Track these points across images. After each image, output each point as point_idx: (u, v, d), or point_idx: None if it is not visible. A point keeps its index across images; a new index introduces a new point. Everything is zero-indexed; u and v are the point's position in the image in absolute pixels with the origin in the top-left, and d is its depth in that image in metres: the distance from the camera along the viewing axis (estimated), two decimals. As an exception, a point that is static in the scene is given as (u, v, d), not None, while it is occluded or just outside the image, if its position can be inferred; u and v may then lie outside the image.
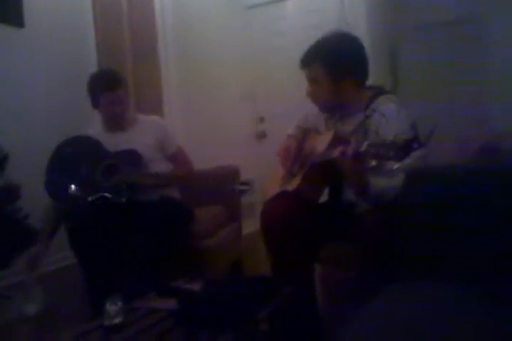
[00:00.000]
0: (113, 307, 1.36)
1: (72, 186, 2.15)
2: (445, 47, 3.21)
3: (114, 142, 2.22)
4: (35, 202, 2.31)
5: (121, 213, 2.09)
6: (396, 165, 1.46)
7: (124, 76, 2.39)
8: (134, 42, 3.42)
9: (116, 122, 2.30)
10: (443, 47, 3.23)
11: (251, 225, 3.30)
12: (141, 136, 2.25)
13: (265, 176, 3.37)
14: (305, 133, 2.00)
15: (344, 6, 3.40)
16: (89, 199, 2.07)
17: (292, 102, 3.43)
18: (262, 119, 3.88)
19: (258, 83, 3.88)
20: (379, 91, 1.77)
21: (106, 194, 2.08)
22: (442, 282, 1.20)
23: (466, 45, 3.10)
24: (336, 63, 1.70)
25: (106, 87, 2.17)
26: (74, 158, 2.24)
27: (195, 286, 1.52)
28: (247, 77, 3.86)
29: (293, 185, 1.77)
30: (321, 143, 1.77)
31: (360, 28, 3.07)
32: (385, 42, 3.39)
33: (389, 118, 1.61)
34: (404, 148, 1.24)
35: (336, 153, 1.49)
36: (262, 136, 3.88)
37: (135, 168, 2.13)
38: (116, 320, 1.35)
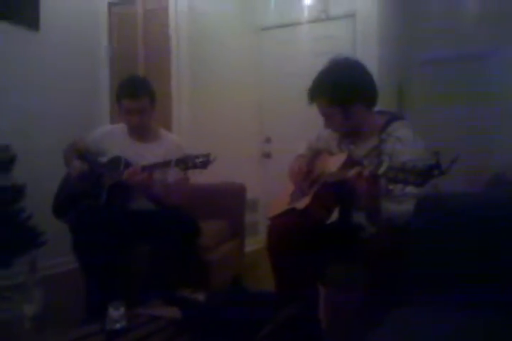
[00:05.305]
0: (115, 312, 1.35)
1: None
2: (452, 81, 3.31)
3: (137, 152, 2.18)
4: (38, 203, 2.31)
5: (130, 220, 2.08)
6: (413, 191, 1.47)
7: (151, 86, 2.24)
8: (147, 54, 3.48)
9: (137, 132, 2.25)
10: (450, 81, 3.33)
11: (254, 243, 3.29)
12: (162, 153, 2.16)
13: (270, 195, 3.38)
14: (316, 154, 2.01)
15: (356, 34, 3.48)
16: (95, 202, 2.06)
17: (298, 124, 3.48)
18: (268, 140, 3.91)
19: (266, 104, 3.94)
20: (393, 117, 1.77)
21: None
22: (448, 307, 1.19)
23: (471, 80, 3.20)
24: (340, 96, 1.68)
25: (126, 94, 2.13)
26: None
27: (199, 297, 1.51)
28: (255, 97, 3.93)
29: (302, 203, 1.76)
30: (333, 164, 1.77)
31: (371, 58, 3.12)
32: (394, 73, 3.46)
33: (405, 144, 1.61)
34: (425, 174, 1.22)
35: (351, 173, 1.47)
36: (267, 156, 3.90)
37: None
38: (119, 325, 1.33)
